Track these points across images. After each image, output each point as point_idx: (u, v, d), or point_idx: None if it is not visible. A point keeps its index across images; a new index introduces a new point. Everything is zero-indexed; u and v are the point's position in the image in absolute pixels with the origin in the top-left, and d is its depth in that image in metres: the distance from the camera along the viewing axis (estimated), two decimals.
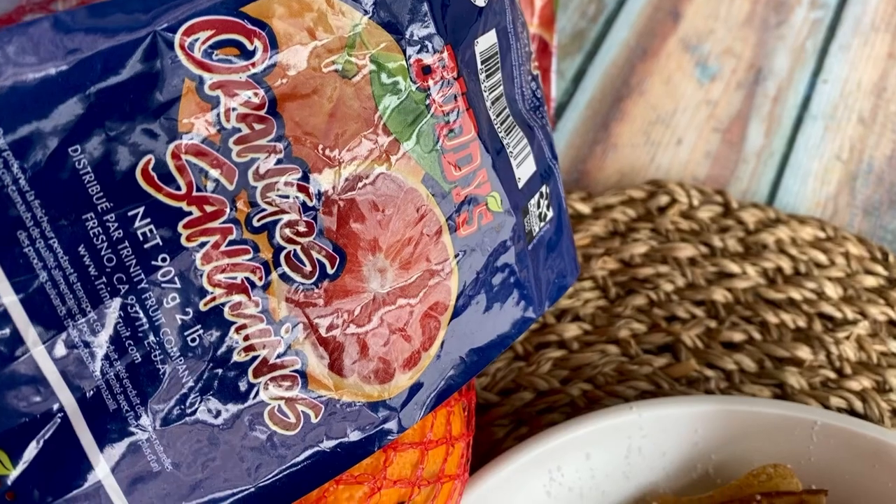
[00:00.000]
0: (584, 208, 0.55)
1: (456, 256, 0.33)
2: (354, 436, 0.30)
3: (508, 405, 0.48)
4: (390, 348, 0.31)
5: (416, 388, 0.32)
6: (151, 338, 0.26)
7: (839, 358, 0.51)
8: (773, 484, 0.42)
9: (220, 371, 0.28)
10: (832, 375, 0.51)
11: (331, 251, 0.29)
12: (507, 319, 0.35)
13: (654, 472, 0.44)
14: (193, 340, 0.27)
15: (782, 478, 0.43)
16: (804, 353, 0.51)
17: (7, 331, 0.24)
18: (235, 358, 0.28)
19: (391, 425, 0.31)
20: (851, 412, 0.50)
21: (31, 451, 0.25)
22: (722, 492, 0.43)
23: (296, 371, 0.29)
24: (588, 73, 0.63)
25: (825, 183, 0.60)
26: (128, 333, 0.26)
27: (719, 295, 0.53)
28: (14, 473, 0.25)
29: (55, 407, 0.25)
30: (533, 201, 0.36)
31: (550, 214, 0.38)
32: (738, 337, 0.52)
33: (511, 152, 0.35)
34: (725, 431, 0.44)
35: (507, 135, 0.35)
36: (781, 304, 0.53)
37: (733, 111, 0.62)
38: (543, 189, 0.37)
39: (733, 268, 0.54)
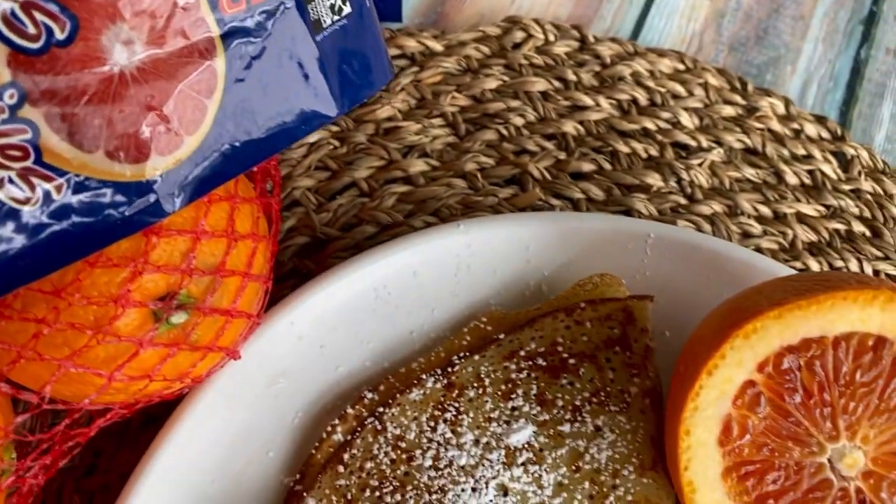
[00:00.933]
0: (437, 45, 0.53)
1: (223, 38, 0.31)
2: (103, 216, 0.29)
3: (349, 238, 0.47)
4: (144, 128, 0.30)
5: (175, 173, 0.31)
6: None
7: (690, 184, 0.51)
8: (598, 292, 0.42)
9: None
10: (683, 201, 0.50)
11: (58, 13, 0.27)
12: (290, 111, 0.34)
13: (484, 290, 0.43)
14: None
15: (608, 286, 0.42)
16: (654, 179, 0.50)
17: None
18: None
19: (147, 208, 0.30)
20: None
21: None
22: (550, 303, 0.42)
23: (25, 141, 0.28)
24: None
25: (692, 20, 0.59)
26: None
27: (570, 128, 0.52)
28: None
29: None
30: None
31: (347, 10, 0.36)
32: (587, 167, 0.51)
33: None
34: (558, 248, 0.44)
35: None
36: (634, 134, 0.52)
37: None
38: None
39: (586, 101, 0.53)
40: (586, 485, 0.37)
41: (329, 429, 0.39)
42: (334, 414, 0.40)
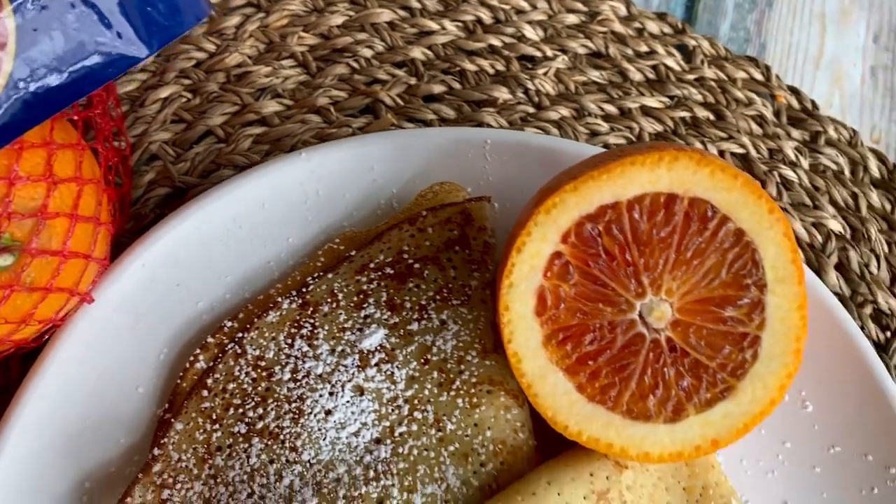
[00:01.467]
0: None
1: None
2: None
3: (208, 184, 0.49)
4: None
5: None
6: None
7: (537, 93, 0.53)
8: (439, 199, 0.44)
9: None
10: (531, 110, 0.52)
11: None
12: (92, 56, 0.35)
13: (336, 213, 0.45)
14: None
15: (448, 193, 0.44)
16: (501, 93, 0.52)
17: None
18: None
19: None
20: None
21: None
22: (396, 216, 0.44)
23: None
24: None
25: None
26: None
27: (419, 53, 0.53)
28: None
29: None
30: None
31: None
32: (437, 89, 0.52)
33: None
34: (402, 165, 0.46)
35: None
36: (481, 52, 0.54)
37: None
38: None
39: (432, 25, 0.54)
40: (435, 374, 0.40)
41: (192, 358, 0.41)
42: (198, 346, 0.42)
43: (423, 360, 0.40)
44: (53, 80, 0.34)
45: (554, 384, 0.37)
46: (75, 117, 0.38)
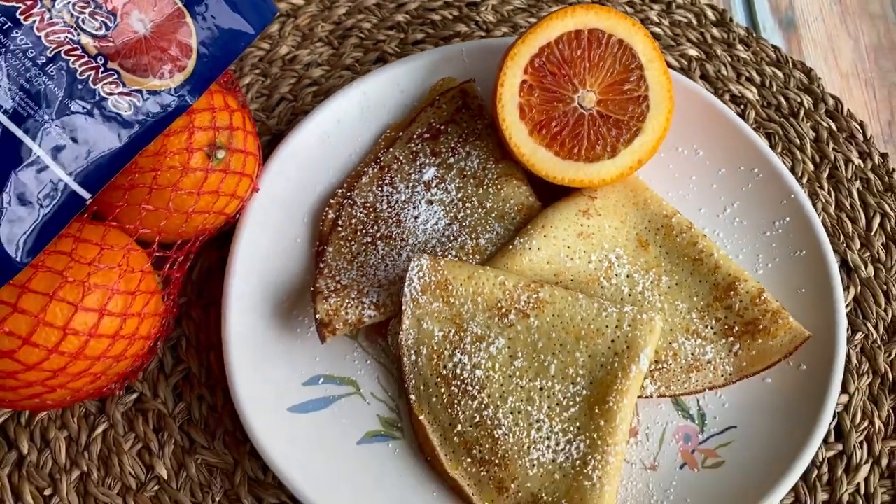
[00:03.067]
0: None
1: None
2: (164, 109, 0.56)
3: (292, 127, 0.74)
4: (167, 64, 0.57)
5: (188, 80, 0.57)
6: (32, 72, 0.51)
7: (484, 22, 0.79)
8: (443, 88, 0.70)
9: (75, 85, 0.53)
10: (482, 34, 0.79)
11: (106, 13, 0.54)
12: (249, 25, 0.60)
13: (383, 116, 0.71)
14: (52, 71, 0.52)
15: (447, 83, 0.70)
16: (460, 27, 0.79)
17: None
18: (79, 77, 0.53)
19: (182, 102, 0.57)
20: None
21: None
22: (420, 106, 0.70)
23: (117, 79, 0.54)
24: None
25: None
26: (15, 74, 0.50)
27: (401, 17, 0.80)
28: None
29: None
30: None
31: None
32: (419, 36, 0.79)
33: None
34: (415, 76, 0.71)
35: None
36: (441, 7, 0.81)
37: None
38: None
39: None
40: (471, 181, 0.65)
41: (324, 215, 0.66)
42: (326, 206, 0.67)
43: (462, 176, 0.66)
44: (217, 50, 0.60)
45: (541, 155, 0.62)
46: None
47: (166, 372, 0.64)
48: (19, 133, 0.51)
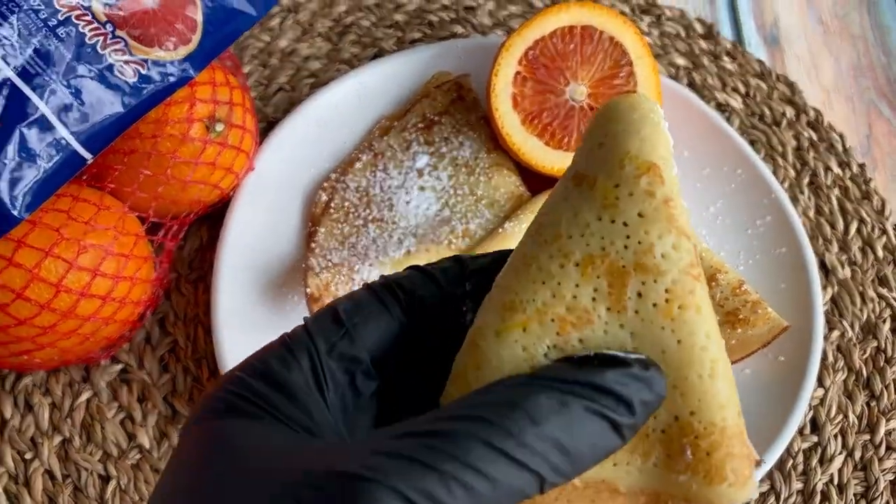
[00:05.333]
0: None
1: None
2: (166, 79, 0.57)
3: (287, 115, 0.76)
4: (172, 37, 0.58)
5: (191, 55, 0.59)
6: (43, 32, 0.52)
7: (480, 24, 0.82)
8: (439, 81, 0.72)
9: (83, 49, 0.54)
10: (478, 35, 0.81)
11: None
12: (252, 8, 0.62)
13: (379, 105, 0.72)
14: (62, 33, 0.53)
15: (443, 77, 0.72)
16: (456, 29, 0.81)
17: None
18: (87, 41, 0.54)
19: (185, 74, 0.58)
20: None
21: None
22: (415, 97, 0.72)
23: (124, 47, 0.56)
24: None
25: None
26: (27, 33, 0.52)
27: (400, 17, 0.82)
28: None
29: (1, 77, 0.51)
30: None
31: None
32: (417, 35, 0.81)
33: None
34: (412, 70, 0.73)
35: None
36: (438, 9, 0.83)
37: None
38: None
39: (403, 0, 0.83)
40: (463, 169, 0.67)
41: (317, 197, 0.68)
42: (319, 188, 0.68)
43: (454, 165, 0.67)
44: (220, 28, 0.62)
45: (531, 145, 0.64)
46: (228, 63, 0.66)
47: (153, 344, 0.65)
48: (27, 90, 0.52)
